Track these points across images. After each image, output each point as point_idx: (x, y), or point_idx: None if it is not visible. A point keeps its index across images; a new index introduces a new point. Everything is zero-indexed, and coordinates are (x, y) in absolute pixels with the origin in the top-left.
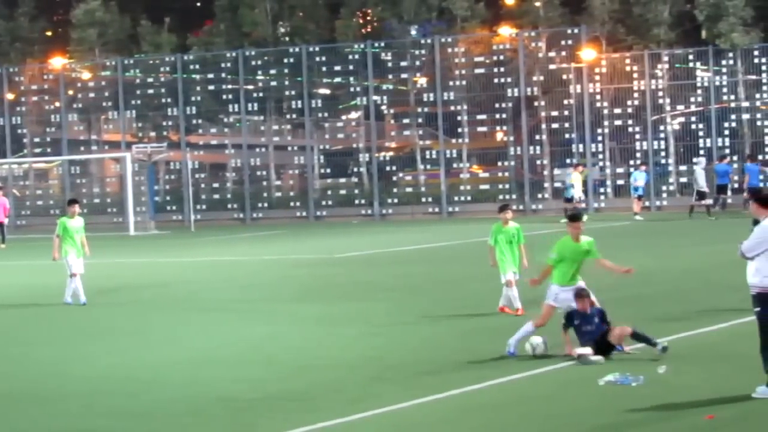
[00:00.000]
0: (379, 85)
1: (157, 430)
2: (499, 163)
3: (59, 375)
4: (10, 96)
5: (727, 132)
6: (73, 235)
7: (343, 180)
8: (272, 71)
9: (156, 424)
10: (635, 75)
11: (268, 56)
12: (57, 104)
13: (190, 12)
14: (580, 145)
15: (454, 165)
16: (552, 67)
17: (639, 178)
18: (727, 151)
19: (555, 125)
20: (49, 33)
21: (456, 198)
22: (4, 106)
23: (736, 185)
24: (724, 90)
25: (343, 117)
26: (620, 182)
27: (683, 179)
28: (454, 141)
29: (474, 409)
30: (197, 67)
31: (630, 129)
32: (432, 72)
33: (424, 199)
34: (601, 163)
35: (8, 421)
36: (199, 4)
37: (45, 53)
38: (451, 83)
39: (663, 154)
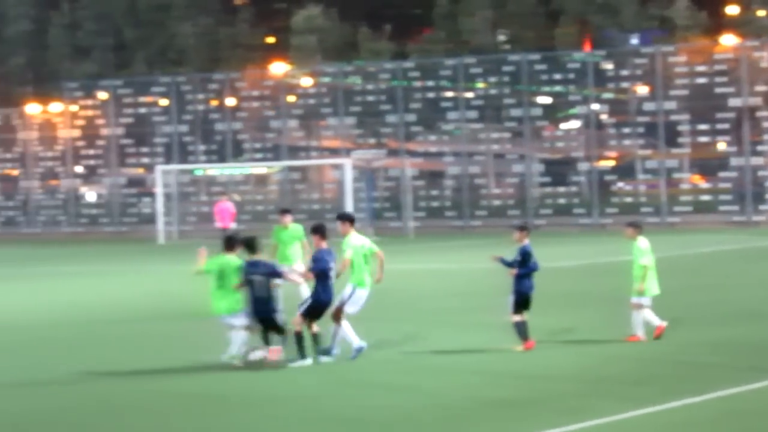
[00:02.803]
0: (598, 94)
1: None
2: (720, 174)
3: (272, 378)
4: (231, 102)
5: None
6: (285, 244)
7: (561, 189)
8: (491, 79)
9: (368, 430)
10: None
11: (487, 64)
12: (276, 110)
13: (408, 19)
14: None
15: (674, 175)
16: None
17: None
18: None
19: None
20: (269, 39)
21: (676, 208)
22: (225, 112)
23: None
24: None
25: (562, 126)
26: None
27: None
28: (674, 151)
29: (694, 424)
30: (416, 74)
31: None
32: (652, 81)
33: (643, 209)
34: None
35: (224, 423)
36: (418, 11)
37: (265, 60)
38: (671, 93)
39: None
